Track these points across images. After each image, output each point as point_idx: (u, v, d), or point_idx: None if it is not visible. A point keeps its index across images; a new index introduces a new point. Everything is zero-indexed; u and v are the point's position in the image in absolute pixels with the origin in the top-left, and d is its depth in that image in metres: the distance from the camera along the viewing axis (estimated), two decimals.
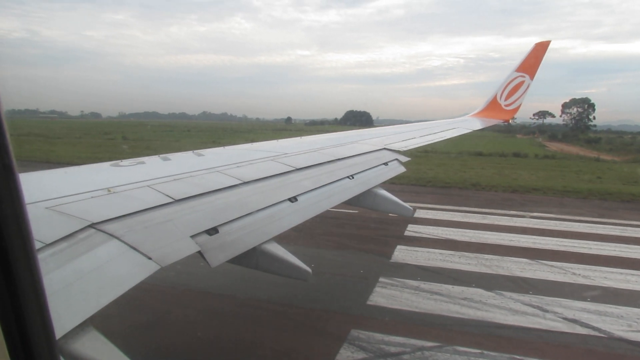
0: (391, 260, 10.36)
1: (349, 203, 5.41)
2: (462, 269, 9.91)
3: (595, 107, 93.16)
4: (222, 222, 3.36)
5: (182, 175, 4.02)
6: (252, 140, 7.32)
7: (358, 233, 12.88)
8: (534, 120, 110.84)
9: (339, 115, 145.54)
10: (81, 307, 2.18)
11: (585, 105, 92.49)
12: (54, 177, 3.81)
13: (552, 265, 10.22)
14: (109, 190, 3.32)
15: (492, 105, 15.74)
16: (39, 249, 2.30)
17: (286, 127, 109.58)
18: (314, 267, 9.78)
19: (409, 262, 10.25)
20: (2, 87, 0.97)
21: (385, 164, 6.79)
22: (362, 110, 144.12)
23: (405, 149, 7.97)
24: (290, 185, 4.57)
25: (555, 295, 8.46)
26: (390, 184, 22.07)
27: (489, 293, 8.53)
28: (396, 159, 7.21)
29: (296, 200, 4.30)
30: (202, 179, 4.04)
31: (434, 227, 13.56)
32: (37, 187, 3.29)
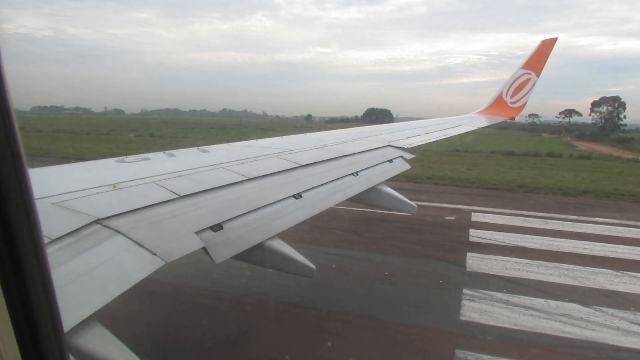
0: (467, 270, 9.76)
1: (353, 200, 5.26)
2: (545, 280, 9.26)
3: (626, 105, 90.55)
4: (227, 219, 3.36)
5: (187, 171, 4.02)
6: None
7: (420, 238, 12.30)
8: (560, 119, 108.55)
9: (359, 112, 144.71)
10: (86, 302, 2.16)
11: (616, 104, 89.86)
12: (60, 172, 3.77)
13: None
14: (115, 186, 3.32)
15: (498, 103, 15.41)
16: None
17: (306, 125, 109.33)
18: (387, 276, 9.34)
19: (486, 272, 9.64)
20: (11, 81, 0.91)
21: (390, 161, 6.66)
22: (382, 107, 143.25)
23: (409, 146, 7.82)
24: (294, 181, 4.51)
25: None
26: (434, 184, 21.42)
27: (587, 309, 7.89)
28: (401, 156, 7.04)
29: (300, 197, 4.24)
30: (207, 175, 4.03)
31: (497, 232, 12.90)
32: (43, 182, 3.30)
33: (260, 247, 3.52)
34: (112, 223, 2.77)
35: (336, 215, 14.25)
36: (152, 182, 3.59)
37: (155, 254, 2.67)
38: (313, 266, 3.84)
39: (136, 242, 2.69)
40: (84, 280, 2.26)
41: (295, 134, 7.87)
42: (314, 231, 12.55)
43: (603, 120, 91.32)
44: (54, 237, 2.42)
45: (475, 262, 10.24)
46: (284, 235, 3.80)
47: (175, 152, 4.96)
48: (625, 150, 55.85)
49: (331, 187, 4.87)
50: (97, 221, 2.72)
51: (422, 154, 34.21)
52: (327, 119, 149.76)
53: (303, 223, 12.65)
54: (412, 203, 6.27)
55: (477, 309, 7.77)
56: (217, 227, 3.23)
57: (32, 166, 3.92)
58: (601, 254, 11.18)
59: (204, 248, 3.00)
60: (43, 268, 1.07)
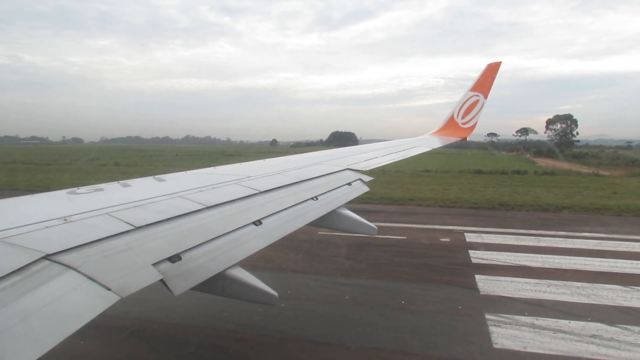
0: (481, 293, 9.56)
1: (314, 224, 5.19)
2: (561, 299, 9.19)
3: (578, 122, 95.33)
4: (185, 249, 3.28)
5: (143, 201, 3.91)
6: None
7: (423, 262, 12.07)
8: (517, 137, 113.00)
9: (324, 136, 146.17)
10: (36, 343, 2.04)
11: (568, 121, 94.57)
12: (5, 206, 3.61)
13: None
14: (65, 219, 3.19)
15: (450, 124, 15.83)
16: None
17: (272, 150, 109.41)
18: (404, 304, 9.01)
19: (500, 295, 9.47)
20: None
21: (349, 184, 6.69)
22: (346, 130, 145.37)
23: (367, 168, 7.90)
24: (254, 208, 4.45)
25: None
26: (417, 206, 21.31)
27: (614, 328, 7.81)
28: (359, 179, 7.09)
29: (261, 223, 4.18)
30: (164, 204, 3.94)
31: (496, 252, 12.87)
32: None
33: (220, 277, 3.44)
34: (63, 258, 2.63)
35: (331, 242, 13.89)
36: (106, 213, 3.45)
37: (109, 289, 2.53)
38: (275, 293, 3.77)
39: (89, 277, 2.55)
40: (33, 320, 2.13)
41: (260, 159, 7.83)
42: (314, 260, 12.12)
43: (558, 137, 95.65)
44: None
45: (486, 284, 10.08)
46: (245, 263, 3.67)
47: (130, 181, 4.82)
48: (582, 165, 58.45)
49: (291, 212, 4.81)
50: (47, 257, 2.58)
51: (395, 176, 34.55)
52: (292, 143, 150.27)
53: (301, 252, 12.20)
54: (372, 225, 6.14)
55: (506, 335, 7.55)
56: (175, 258, 3.13)
57: None
58: (602, 269, 11.29)
59: (162, 280, 2.88)
60: None
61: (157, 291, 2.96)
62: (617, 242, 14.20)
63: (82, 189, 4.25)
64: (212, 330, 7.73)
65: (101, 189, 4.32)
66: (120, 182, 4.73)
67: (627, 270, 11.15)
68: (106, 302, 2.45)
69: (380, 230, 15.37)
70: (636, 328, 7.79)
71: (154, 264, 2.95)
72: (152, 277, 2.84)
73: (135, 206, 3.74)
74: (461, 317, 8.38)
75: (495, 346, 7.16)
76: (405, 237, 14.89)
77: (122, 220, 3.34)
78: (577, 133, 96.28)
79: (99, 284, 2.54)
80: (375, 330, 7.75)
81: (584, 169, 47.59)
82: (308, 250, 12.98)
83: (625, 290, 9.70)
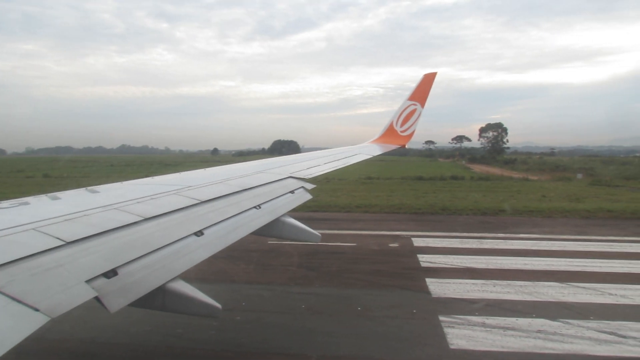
0: (433, 296, 9.82)
1: (257, 233, 5.24)
2: (507, 298, 9.64)
3: (508, 130, 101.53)
4: (122, 263, 3.16)
5: (75, 214, 3.73)
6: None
7: (374, 268, 12.22)
8: (453, 144, 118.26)
9: (266, 144, 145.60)
10: None
11: (499, 129, 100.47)
12: None
13: (584, 287, 10.29)
14: None
15: (389, 132, 16.44)
16: None
17: (213, 159, 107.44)
18: (361, 311, 9.06)
19: (451, 296, 9.78)
20: None
21: (292, 192, 6.79)
22: (289, 139, 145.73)
23: (310, 176, 8.05)
24: (195, 219, 4.40)
25: (616, 319, 8.40)
26: (364, 213, 21.62)
27: (556, 323, 8.28)
28: (302, 187, 7.20)
29: (202, 234, 4.14)
30: (98, 217, 3.78)
31: (443, 255, 13.31)
32: None
33: (160, 291, 3.33)
34: None
35: (282, 251, 13.75)
36: (33, 228, 3.24)
37: (37, 310, 2.38)
38: (218, 305, 3.66)
39: (13, 298, 2.38)
40: None
41: (200, 168, 7.67)
42: (266, 269, 11.93)
43: (490, 145, 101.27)
44: None
45: (437, 287, 10.36)
46: (194, 276, 3.62)
47: (60, 194, 4.57)
48: (512, 170, 62.19)
49: (234, 222, 4.76)
50: None
51: (339, 184, 34.98)
52: (234, 152, 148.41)
53: (252, 262, 11.94)
54: (316, 232, 6.20)
55: (461, 335, 7.78)
56: (110, 274, 3.00)
57: None
58: (540, 267, 11.99)
59: (96, 297, 2.75)
60: None
61: (101, 310, 2.77)
62: (551, 241, 15.17)
63: (5, 203, 3.97)
64: (165, 349, 7.36)
65: (27, 203, 4.04)
66: (49, 194, 4.46)
67: (563, 268, 11.91)
68: (34, 324, 2.28)
69: (330, 237, 15.58)
70: (575, 321, 8.31)
71: (88, 281, 2.80)
72: (85, 294, 2.69)
73: (65, 220, 3.53)
74: (417, 321, 8.55)
75: (452, 347, 7.35)
76: (355, 244, 15.05)
77: (51, 235, 3.14)
78: (507, 140, 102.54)
79: (26, 304, 2.37)
80: (335, 338, 7.72)
81: (515, 174, 50.60)
82: (259, 261, 12.76)
83: (563, 287, 10.34)
